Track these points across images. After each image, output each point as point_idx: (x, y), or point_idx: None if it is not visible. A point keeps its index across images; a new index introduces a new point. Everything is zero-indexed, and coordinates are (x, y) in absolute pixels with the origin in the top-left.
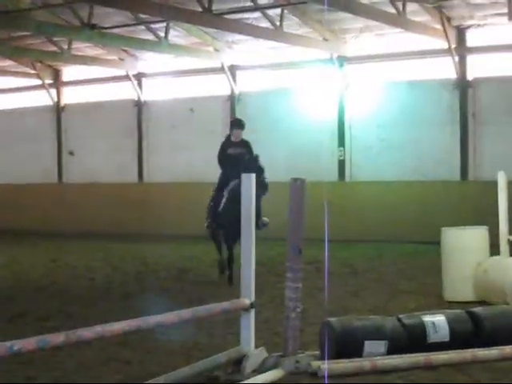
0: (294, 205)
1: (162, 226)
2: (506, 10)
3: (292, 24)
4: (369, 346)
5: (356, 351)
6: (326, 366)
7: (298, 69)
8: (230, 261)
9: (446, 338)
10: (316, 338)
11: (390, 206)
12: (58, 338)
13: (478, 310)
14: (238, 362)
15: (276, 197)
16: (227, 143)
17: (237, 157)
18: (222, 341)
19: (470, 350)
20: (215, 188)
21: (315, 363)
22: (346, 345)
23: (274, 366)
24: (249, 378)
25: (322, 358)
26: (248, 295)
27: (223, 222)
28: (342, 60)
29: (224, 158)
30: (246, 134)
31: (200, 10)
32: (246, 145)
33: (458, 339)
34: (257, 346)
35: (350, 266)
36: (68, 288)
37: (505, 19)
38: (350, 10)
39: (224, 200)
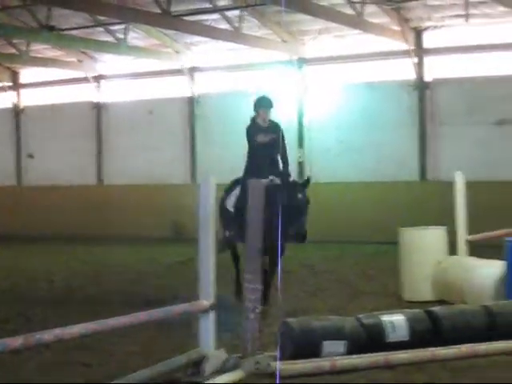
0: (252, 206)
1: (122, 228)
2: (463, 12)
3: (251, 26)
4: (328, 346)
5: (315, 351)
6: (278, 366)
7: (257, 70)
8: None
9: (405, 338)
10: (275, 338)
11: (350, 207)
12: (16, 341)
13: (436, 309)
14: (198, 363)
15: None
16: (254, 129)
17: (266, 146)
18: (182, 342)
19: (428, 349)
20: (234, 187)
21: (275, 364)
22: (305, 345)
23: (234, 367)
24: (208, 379)
25: (281, 358)
26: (207, 297)
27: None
28: (301, 62)
29: (253, 148)
30: (204, 136)
31: (159, 11)
32: (275, 128)
33: (417, 338)
34: (217, 348)
35: (310, 267)
36: (27, 291)
37: (462, 21)
38: (309, 12)
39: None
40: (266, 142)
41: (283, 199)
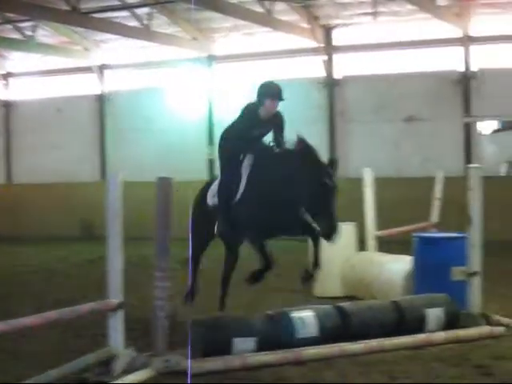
0: (160, 204)
1: (31, 228)
2: (371, 10)
3: (161, 23)
4: (238, 343)
5: (225, 349)
6: (189, 364)
7: (167, 68)
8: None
9: (315, 333)
10: (186, 336)
11: None
12: None
13: (345, 305)
14: (107, 362)
15: (147, 196)
16: (252, 120)
17: (259, 141)
18: (92, 342)
19: (338, 344)
20: (213, 180)
21: (184, 362)
22: (215, 343)
23: (144, 366)
24: (118, 378)
25: (192, 356)
26: (115, 295)
27: (250, 213)
28: (211, 59)
29: (245, 143)
30: (114, 133)
31: (68, 8)
32: (276, 120)
33: (327, 334)
34: (127, 347)
35: (220, 264)
36: None
37: (370, 18)
38: (219, 10)
39: (243, 182)
40: (260, 136)
41: (303, 175)
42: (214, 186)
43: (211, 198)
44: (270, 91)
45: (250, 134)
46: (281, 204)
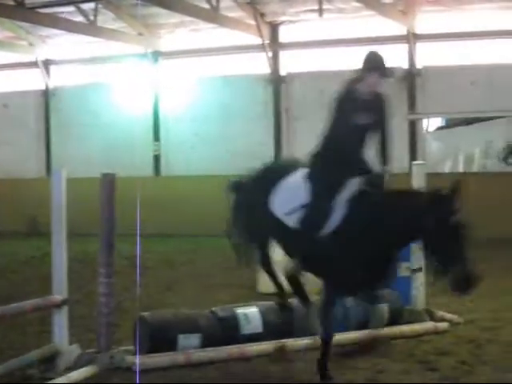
0: (104, 200)
1: None
2: (317, 7)
3: (107, 19)
4: (183, 339)
5: (171, 345)
6: (137, 360)
7: (113, 63)
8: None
9: (259, 330)
10: (131, 333)
11: (205, 200)
12: None
13: (291, 301)
14: (52, 359)
15: (92, 192)
16: (352, 102)
17: (364, 130)
18: (37, 338)
19: (282, 340)
20: (275, 179)
21: (130, 358)
22: (161, 339)
23: (88, 363)
24: (62, 375)
25: (138, 352)
26: (60, 292)
27: (346, 254)
28: (157, 55)
29: (344, 131)
30: (60, 129)
31: (13, 3)
32: (379, 103)
33: (271, 330)
34: (72, 343)
35: (167, 261)
36: None
37: (316, 15)
38: (165, 5)
39: (341, 212)
40: (365, 125)
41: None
42: (288, 197)
43: (281, 208)
44: (376, 63)
45: (353, 122)
46: (389, 251)
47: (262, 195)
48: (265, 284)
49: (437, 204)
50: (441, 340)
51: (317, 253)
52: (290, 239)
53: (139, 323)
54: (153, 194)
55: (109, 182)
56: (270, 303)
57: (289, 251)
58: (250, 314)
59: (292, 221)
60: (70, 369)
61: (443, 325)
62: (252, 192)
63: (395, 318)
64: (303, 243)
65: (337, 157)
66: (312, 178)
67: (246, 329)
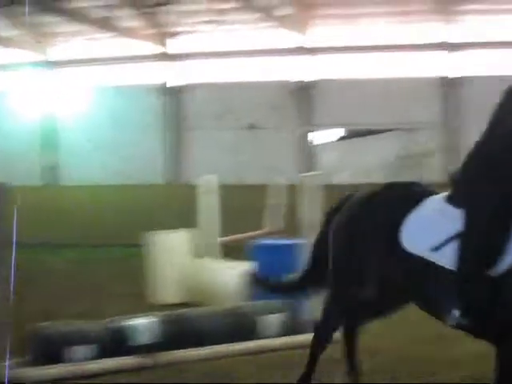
0: None
1: None
2: (215, 18)
3: (1, 26)
4: (76, 351)
5: (63, 357)
6: (7, 373)
7: (8, 71)
8: None
9: (153, 340)
10: (23, 344)
11: (97, 210)
12: None
13: (183, 311)
14: None
15: None
16: None
17: None
18: None
19: (178, 351)
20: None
21: (21, 371)
22: (53, 350)
23: None
24: None
25: (31, 364)
26: None
27: None
28: (52, 63)
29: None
30: None
31: None
32: None
33: (167, 341)
34: None
35: (57, 271)
36: None
37: (213, 26)
38: (60, 14)
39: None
40: None
41: None
42: (427, 227)
43: (424, 243)
44: None
45: None
46: None
47: (385, 228)
48: (159, 295)
49: None
50: (335, 350)
51: (485, 301)
52: (437, 284)
53: (31, 334)
54: (45, 203)
55: (2, 191)
56: (167, 313)
57: (429, 300)
58: (144, 325)
59: (445, 258)
60: None
61: (336, 334)
62: (361, 225)
63: (288, 329)
64: (464, 288)
65: (503, 171)
66: (470, 199)
67: (140, 340)
